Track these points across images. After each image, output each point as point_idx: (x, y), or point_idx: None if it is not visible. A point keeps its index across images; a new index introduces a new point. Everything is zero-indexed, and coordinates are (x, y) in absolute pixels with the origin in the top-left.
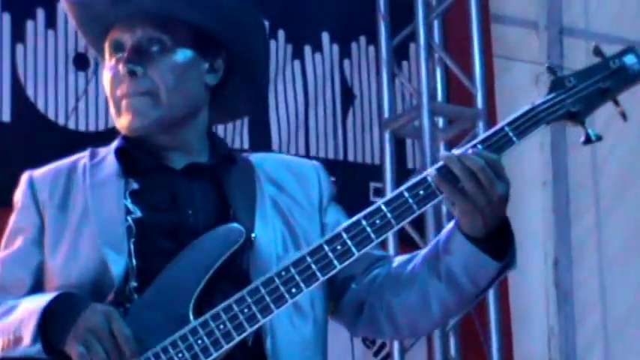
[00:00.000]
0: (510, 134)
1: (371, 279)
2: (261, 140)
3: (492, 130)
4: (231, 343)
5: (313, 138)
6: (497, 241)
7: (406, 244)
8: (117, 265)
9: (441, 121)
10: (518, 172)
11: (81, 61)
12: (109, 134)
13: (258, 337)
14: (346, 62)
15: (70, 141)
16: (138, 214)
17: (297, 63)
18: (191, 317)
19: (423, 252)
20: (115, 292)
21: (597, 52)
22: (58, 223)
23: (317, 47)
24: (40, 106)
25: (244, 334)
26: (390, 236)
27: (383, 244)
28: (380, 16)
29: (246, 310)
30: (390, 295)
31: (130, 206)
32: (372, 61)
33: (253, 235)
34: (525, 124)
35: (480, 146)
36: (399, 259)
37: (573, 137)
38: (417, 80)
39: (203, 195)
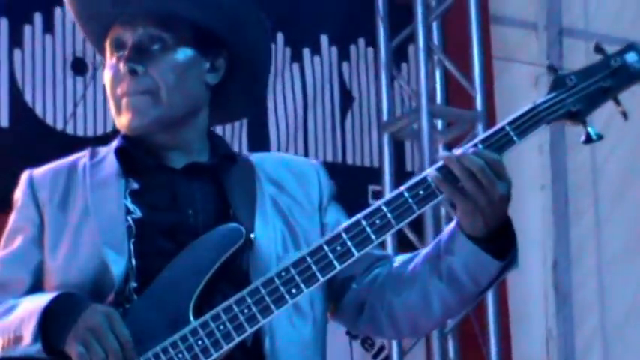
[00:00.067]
0: (511, 134)
1: (371, 279)
2: (260, 143)
3: (493, 129)
4: (231, 344)
5: (312, 141)
6: (499, 241)
7: (405, 246)
8: (117, 266)
9: (440, 124)
10: (517, 174)
11: (79, 66)
12: (108, 139)
13: (257, 338)
14: (345, 65)
15: (68, 146)
16: (138, 214)
17: (295, 66)
18: (191, 317)
19: (424, 251)
20: (115, 292)
21: (598, 49)
22: (58, 223)
23: (316, 50)
24: (39, 111)
25: (244, 335)
26: (388, 239)
27: (381, 247)
28: (379, 18)
29: (246, 311)
30: (391, 295)
31: (130, 206)
32: (370, 63)
33: (253, 235)
34: (526, 124)
35: (480, 146)
36: (399, 259)
37: (572, 139)
38: (416, 82)
39: (203, 195)
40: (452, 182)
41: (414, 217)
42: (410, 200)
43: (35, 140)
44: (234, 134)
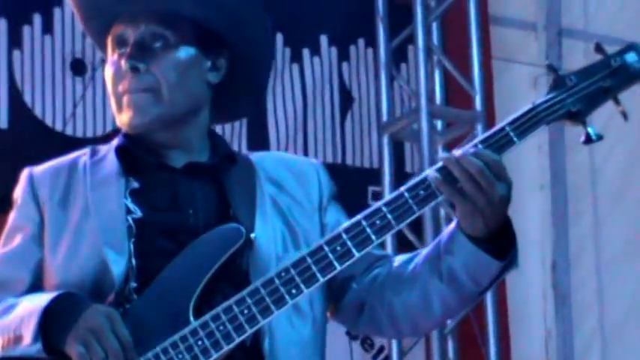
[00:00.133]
0: (511, 134)
1: (371, 278)
2: (259, 143)
3: (493, 129)
4: (231, 345)
5: (312, 141)
6: (499, 241)
7: (404, 247)
8: (117, 266)
9: (439, 124)
10: (516, 175)
11: (78, 67)
12: (107, 139)
13: (256, 338)
14: (345, 65)
15: (67, 147)
16: (138, 213)
17: (295, 66)
18: (191, 318)
19: (424, 252)
20: (115, 292)
21: (598, 49)
22: (59, 221)
23: (315, 50)
24: (38, 112)
25: (244, 336)
26: (388, 239)
27: (381, 247)
28: (378, 19)
29: (246, 311)
30: (392, 295)
31: (131, 206)
32: (370, 63)
33: (253, 235)
34: (526, 124)
35: (480, 146)
36: (399, 259)
37: (571, 139)
38: (415, 83)
39: (203, 194)
40: (451, 183)
41: (414, 217)
42: (410, 201)
43: (34, 141)
44: (234, 134)
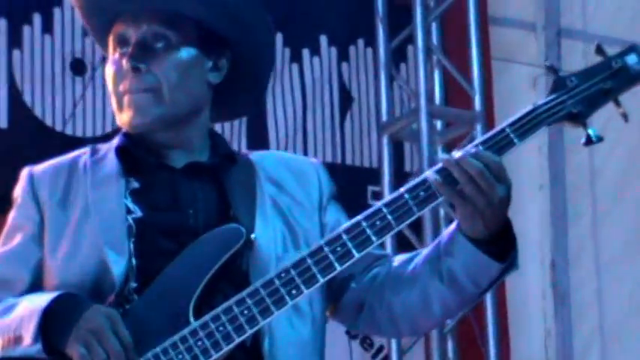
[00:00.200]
0: (511, 135)
1: (371, 278)
2: (259, 143)
3: (493, 131)
4: (231, 345)
5: (311, 141)
6: (499, 243)
7: (404, 246)
8: (117, 266)
9: (439, 124)
10: (515, 175)
11: (78, 67)
12: (107, 139)
13: (256, 338)
14: (344, 65)
15: (67, 146)
16: (138, 213)
17: (295, 66)
18: (191, 318)
19: (424, 252)
20: (115, 292)
21: (599, 51)
22: (59, 221)
23: (315, 50)
24: (38, 111)
25: (244, 336)
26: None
27: (380, 247)
28: (378, 19)
29: (246, 312)
30: (391, 295)
31: (131, 205)
32: (370, 63)
33: (253, 235)
34: (526, 126)
35: (480, 147)
36: (399, 259)
37: (571, 139)
38: (415, 83)
39: (204, 195)
40: (451, 184)
41: (413, 218)
42: (410, 202)
43: (34, 141)
44: (234, 134)
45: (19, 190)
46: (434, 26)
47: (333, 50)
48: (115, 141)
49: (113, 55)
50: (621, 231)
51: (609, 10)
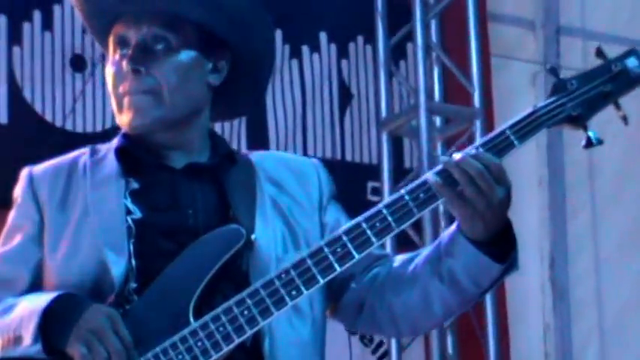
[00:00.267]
0: (511, 137)
1: (371, 278)
2: (258, 140)
3: (493, 133)
4: (231, 346)
5: (311, 137)
6: (500, 244)
7: (403, 242)
8: (117, 267)
9: (438, 121)
10: (514, 171)
11: (78, 63)
12: (107, 135)
13: (256, 338)
14: (344, 62)
15: (67, 142)
16: (138, 214)
17: (294, 63)
18: (191, 319)
19: (424, 252)
20: (115, 293)
21: (599, 54)
22: (58, 222)
23: (315, 47)
24: (38, 107)
25: (244, 337)
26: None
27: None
28: (378, 16)
29: (246, 312)
30: (391, 295)
31: (130, 206)
32: (369, 60)
33: (253, 236)
34: (526, 128)
35: (480, 149)
36: (399, 259)
37: (569, 136)
38: (414, 79)
39: (203, 195)
40: (451, 186)
41: (413, 219)
42: (410, 203)
43: (34, 136)
44: (233, 131)
45: (18, 190)
46: (433, 23)
47: (333, 47)
48: (115, 141)
49: (113, 56)
50: (620, 227)
51: (608, 8)
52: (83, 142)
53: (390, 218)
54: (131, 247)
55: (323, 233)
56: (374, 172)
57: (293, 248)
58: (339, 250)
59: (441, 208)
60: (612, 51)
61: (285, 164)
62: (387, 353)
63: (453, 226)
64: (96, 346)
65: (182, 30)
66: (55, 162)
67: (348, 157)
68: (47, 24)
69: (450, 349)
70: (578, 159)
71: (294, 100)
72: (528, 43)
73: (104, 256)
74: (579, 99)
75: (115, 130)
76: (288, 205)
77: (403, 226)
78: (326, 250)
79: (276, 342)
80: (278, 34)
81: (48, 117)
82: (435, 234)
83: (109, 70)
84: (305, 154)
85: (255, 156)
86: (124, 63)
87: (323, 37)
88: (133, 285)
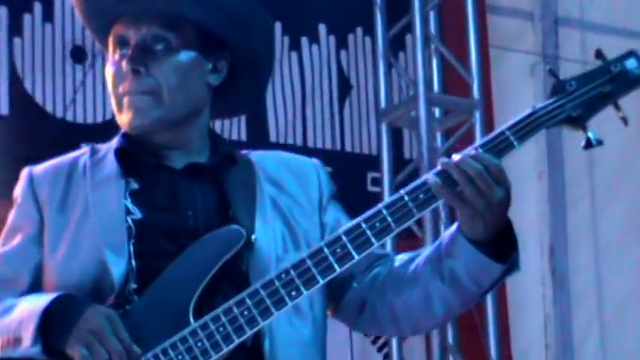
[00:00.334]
0: (511, 138)
1: (372, 278)
2: (258, 132)
3: (493, 133)
4: (231, 346)
5: (310, 129)
6: (500, 244)
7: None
8: (117, 267)
9: (437, 111)
10: (514, 163)
11: (78, 54)
12: (107, 126)
13: (256, 338)
14: (343, 53)
15: (68, 133)
16: (138, 214)
17: (294, 55)
18: (191, 319)
19: (425, 252)
20: (115, 294)
21: (599, 55)
22: (58, 222)
23: (314, 39)
24: (38, 98)
25: (244, 337)
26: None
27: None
28: (376, 7)
29: (246, 313)
30: (392, 295)
31: (130, 206)
32: (368, 52)
33: (253, 236)
34: (526, 129)
35: (480, 150)
36: (400, 258)
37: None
38: (413, 71)
39: (203, 195)
40: (451, 186)
41: (413, 220)
42: (410, 204)
43: (35, 127)
44: (233, 124)
45: (18, 190)
46: (432, 15)
47: (332, 38)
48: (115, 141)
49: (113, 56)
50: (619, 217)
51: None
52: (83, 133)
53: (389, 219)
54: (131, 248)
55: (323, 233)
56: (374, 162)
57: (293, 248)
58: (338, 250)
59: (440, 205)
60: (610, 42)
61: (285, 164)
62: (387, 343)
63: (454, 227)
64: (96, 347)
65: (182, 30)
66: (55, 162)
67: (348, 148)
68: (48, 15)
69: (450, 340)
70: (578, 151)
71: (293, 91)
72: (527, 35)
73: (104, 257)
74: (579, 100)
75: (115, 121)
76: (288, 205)
77: (403, 227)
78: (326, 250)
79: (277, 342)
80: (277, 26)
81: (48, 108)
82: (436, 225)
83: (109, 70)
84: (305, 145)
85: (255, 156)
86: (124, 63)
87: (322, 28)
88: (133, 285)
